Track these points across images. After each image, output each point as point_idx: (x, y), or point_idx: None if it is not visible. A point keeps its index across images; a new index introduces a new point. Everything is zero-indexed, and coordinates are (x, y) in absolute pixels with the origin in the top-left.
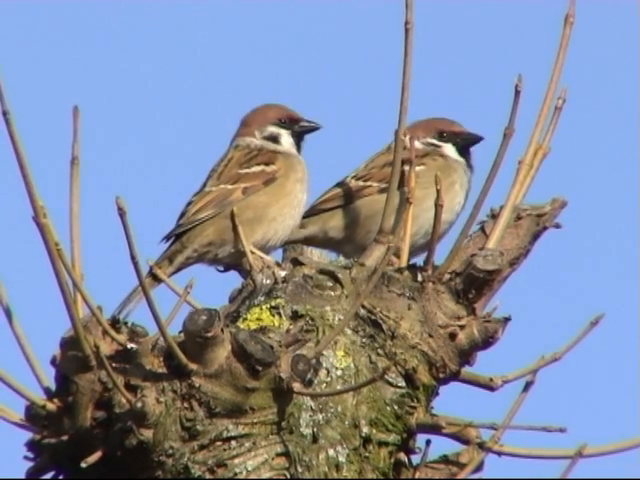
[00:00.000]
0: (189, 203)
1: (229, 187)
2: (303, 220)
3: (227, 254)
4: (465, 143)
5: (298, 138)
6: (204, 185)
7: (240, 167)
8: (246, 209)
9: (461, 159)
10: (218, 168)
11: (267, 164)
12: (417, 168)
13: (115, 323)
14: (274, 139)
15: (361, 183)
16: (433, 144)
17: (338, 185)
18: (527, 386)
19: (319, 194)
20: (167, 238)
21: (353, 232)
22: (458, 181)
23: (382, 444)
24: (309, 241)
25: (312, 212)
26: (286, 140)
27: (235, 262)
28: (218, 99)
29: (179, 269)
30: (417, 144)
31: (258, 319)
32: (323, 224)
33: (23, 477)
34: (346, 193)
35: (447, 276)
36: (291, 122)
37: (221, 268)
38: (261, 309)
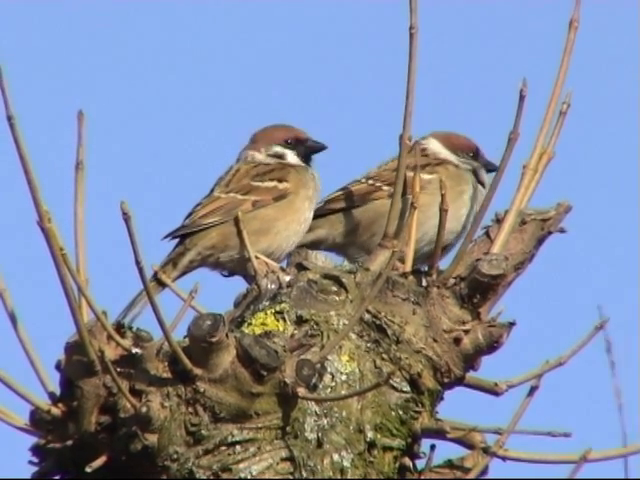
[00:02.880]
0: (198, 204)
1: (239, 197)
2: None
3: (229, 259)
4: (487, 170)
5: (305, 157)
6: (212, 191)
7: (252, 179)
8: (253, 220)
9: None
10: (225, 177)
11: (280, 181)
12: (429, 176)
13: (120, 328)
14: (279, 157)
15: (371, 183)
16: (471, 163)
17: (348, 185)
18: (532, 391)
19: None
20: (171, 237)
21: (359, 235)
22: (468, 192)
23: (387, 449)
24: (316, 245)
25: (320, 212)
26: (291, 158)
27: (238, 267)
28: (223, 105)
29: (183, 273)
30: (451, 156)
31: (263, 324)
32: (330, 227)
33: None
34: (355, 194)
35: (452, 281)
36: (297, 143)
37: (226, 273)
38: (266, 314)
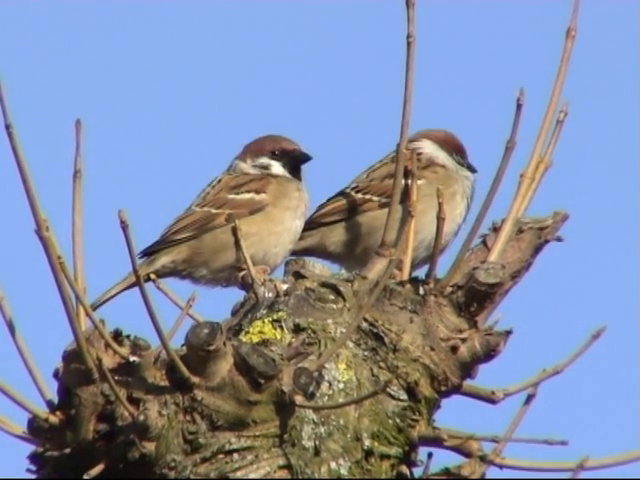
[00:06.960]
0: (176, 218)
1: (213, 211)
2: (302, 233)
3: (201, 275)
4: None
5: (292, 168)
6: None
7: (230, 191)
8: (222, 234)
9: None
10: (207, 188)
11: (257, 192)
12: (418, 182)
13: (117, 336)
14: (264, 168)
15: (360, 196)
16: (461, 163)
17: (338, 197)
18: (529, 399)
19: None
20: (144, 254)
21: (352, 249)
22: (459, 191)
23: (384, 457)
24: (309, 252)
25: (311, 225)
26: (277, 169)
27: (212, 284)
28: (220, 113)
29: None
30: (447, 160)
31: (260, 332)
32: (322, 238)
33: None
34: (346, 207)
35: (449, 289)
36: (284, 154)
37: (224, 283)
38: (263, 322)
